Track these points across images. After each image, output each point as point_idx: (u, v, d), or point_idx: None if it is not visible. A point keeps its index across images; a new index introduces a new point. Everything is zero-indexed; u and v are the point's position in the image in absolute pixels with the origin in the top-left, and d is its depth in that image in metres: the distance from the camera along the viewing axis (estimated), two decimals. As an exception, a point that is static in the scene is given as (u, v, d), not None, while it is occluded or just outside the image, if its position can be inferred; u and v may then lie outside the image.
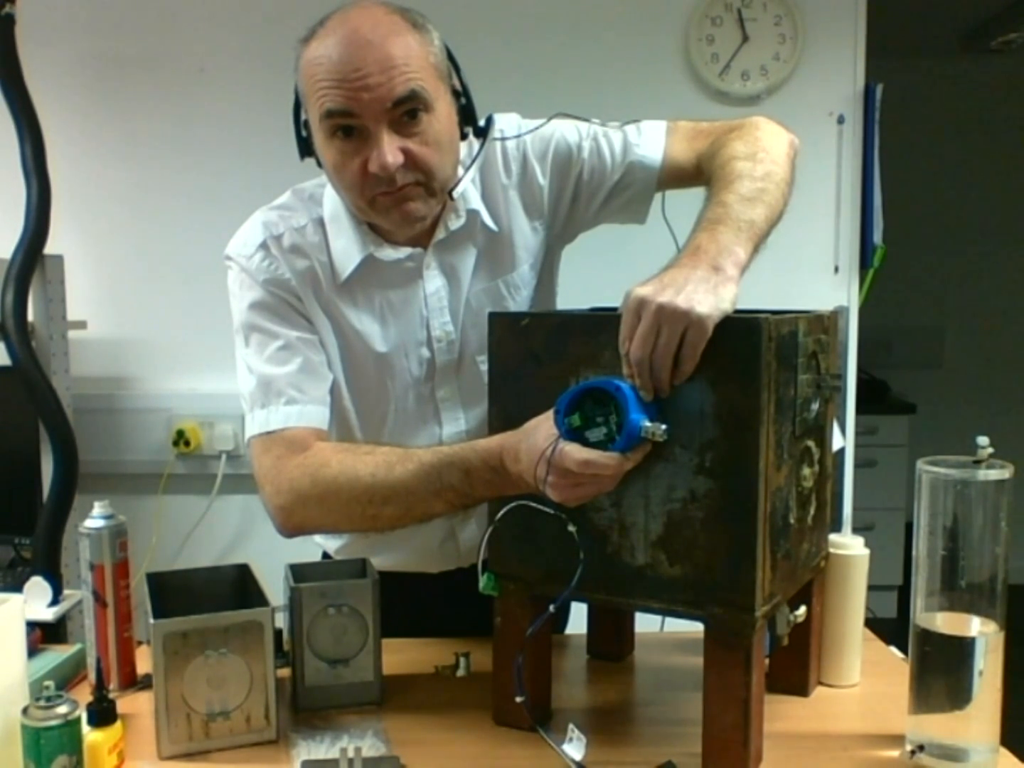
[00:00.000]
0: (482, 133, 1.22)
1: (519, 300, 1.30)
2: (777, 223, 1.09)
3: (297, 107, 1.19)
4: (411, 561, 1.36)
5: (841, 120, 2.28)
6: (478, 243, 1.27)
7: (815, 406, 1.08)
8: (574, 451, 0.96)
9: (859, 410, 2.39)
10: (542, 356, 1.06)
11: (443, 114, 1.15)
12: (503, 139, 1.27)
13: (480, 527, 1.31)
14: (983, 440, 1.00)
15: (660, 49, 2.28)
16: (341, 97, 1.09)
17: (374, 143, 1.11)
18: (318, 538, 1.42)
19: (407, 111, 1.11)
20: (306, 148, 1.20)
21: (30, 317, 2.05)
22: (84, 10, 2.30)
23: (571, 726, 1.04)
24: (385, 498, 1.10)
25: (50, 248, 2.08)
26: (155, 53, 2.31)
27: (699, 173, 1.22)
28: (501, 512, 1.07)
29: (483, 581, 1.10)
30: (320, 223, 1.26)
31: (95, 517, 1.19)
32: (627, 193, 1.28)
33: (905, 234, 3.14)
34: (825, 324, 1.11)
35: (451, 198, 1.21)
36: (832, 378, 1.10)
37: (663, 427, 0.96)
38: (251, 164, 2.26)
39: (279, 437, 1.19)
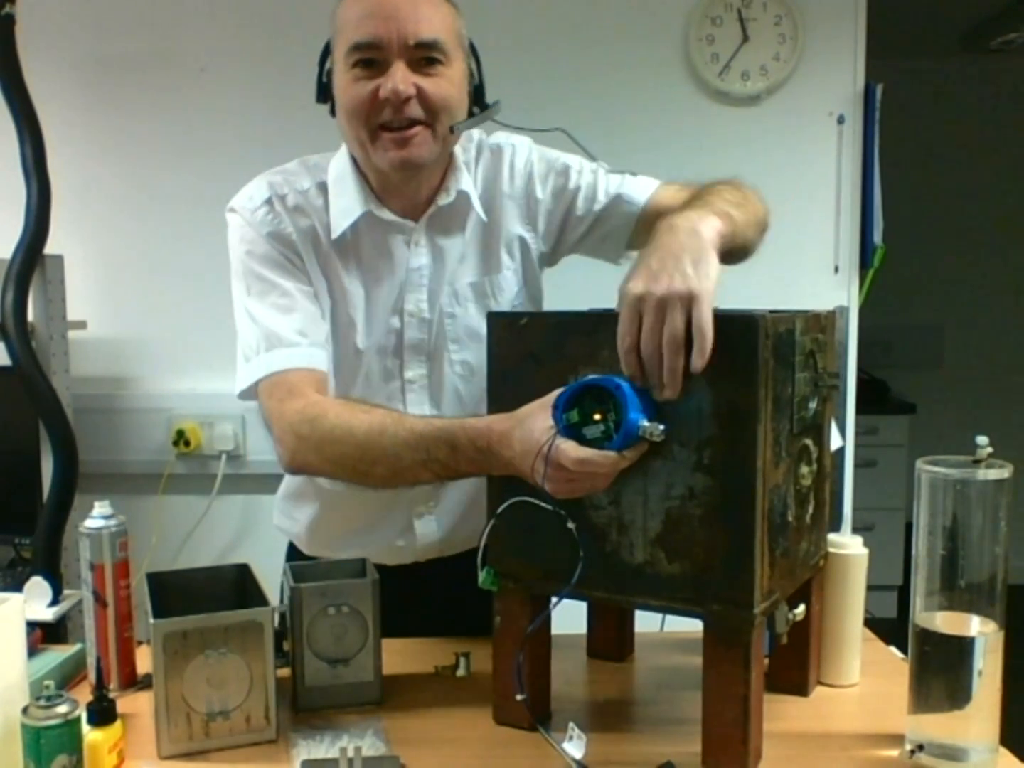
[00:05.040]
0: (486, 108, 1.28)
1: (502, 302, 1.33)
2: (746, 247, 1.15)
3: (323, 59, 1.25)
4: (371, 554, 1.36)
5: (841, 120, 2.28)
6: (466, 231, 1.31)
7: (813, 404, 1.09)
8: (571, 449, 0.97)
9: (859, 410, 2.38)
10: (541, 356, 1.06)
11: (457, 75, 1.22)
12: (505, 125, 1.31)
13: (439, 524, 1.35)
14: (983, 440, 1.00)
15: (660, 49, 2.27)
16: (369, 28, 1.16)
17: (390, 74, 1.16)
18: (281, 524, 1.46)
19: (427, 57, 1.17)
20: (324, 94, 1.25)
21: (30, 317, 2.04)
22: (84, 10, 2.30)
23: (571, 724, 1.04)
24: (375, 459, 1.13)
25: (50, 248, 2.07)
26: (155, 53, 2.30)
27: None
28: (500, 509, 1.07)
29: (482, 576, 1.11)
30: (323, 187, 1.29)
31: (95, 517, 1.20)
32: (607, 226, 1.33)
33: (905, 234, 3.13)
34: (822, 323, 1.11)
35: (452, 131, 1.24)
36: (830, 376, 1.10)
37: (661, 427, 0.96)
38: (251, 164, 2.24)
39: (282, 380, 1.22)
